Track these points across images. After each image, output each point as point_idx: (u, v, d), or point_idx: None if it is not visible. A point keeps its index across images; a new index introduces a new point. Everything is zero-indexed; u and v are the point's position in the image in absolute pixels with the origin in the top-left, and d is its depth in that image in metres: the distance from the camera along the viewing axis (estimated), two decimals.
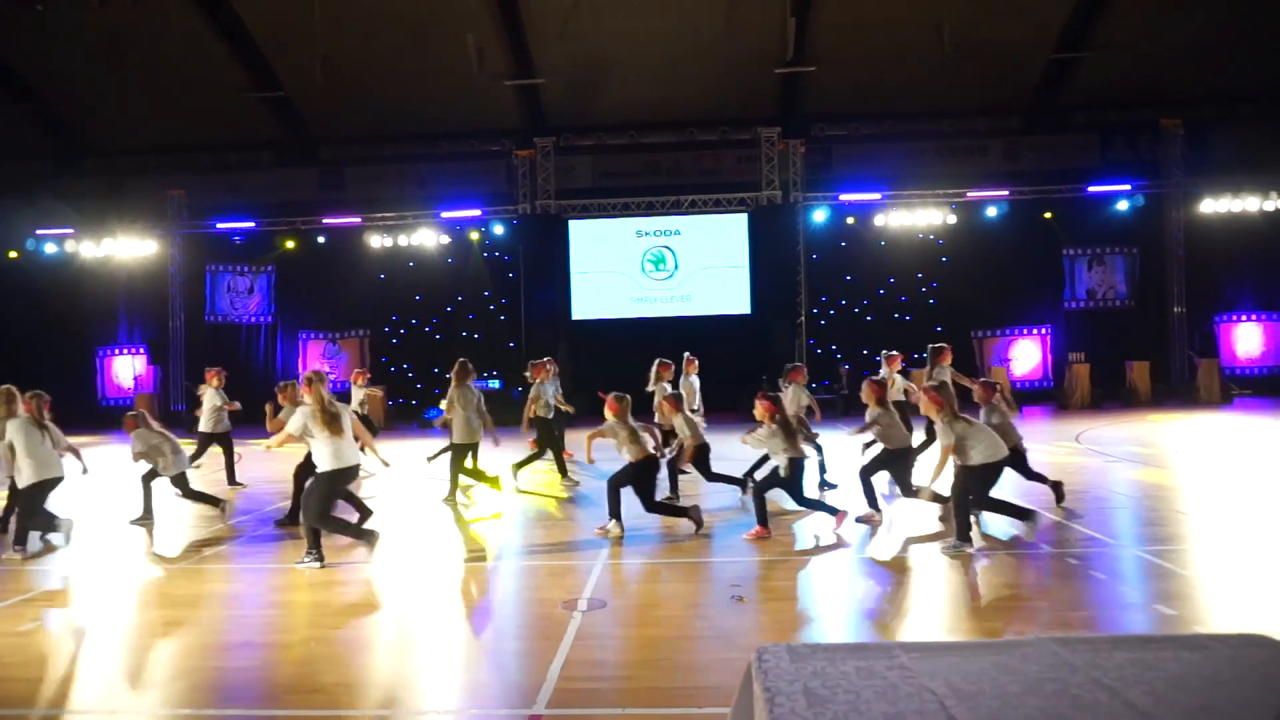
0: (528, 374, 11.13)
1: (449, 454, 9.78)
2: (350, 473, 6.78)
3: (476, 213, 22.45)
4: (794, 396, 9.12)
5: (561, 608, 5.48)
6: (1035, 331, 22.76)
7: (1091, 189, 21.66)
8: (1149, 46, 20.26)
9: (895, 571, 6.32)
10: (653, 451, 7.70)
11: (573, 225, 22.36)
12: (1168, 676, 2.26)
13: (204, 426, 11.21)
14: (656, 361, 10.48)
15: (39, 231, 22.65)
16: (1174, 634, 4.60)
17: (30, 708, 4.18)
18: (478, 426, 9.36)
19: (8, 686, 4.39)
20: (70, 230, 22.49)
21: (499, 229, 22.47)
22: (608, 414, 7.64)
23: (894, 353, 9.97)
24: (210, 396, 11.29)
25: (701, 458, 8.55)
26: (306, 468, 7.57)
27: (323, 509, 6.70)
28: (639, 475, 7.55)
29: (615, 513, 7.60)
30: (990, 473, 6.75)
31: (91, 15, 19.66)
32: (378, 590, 6.23)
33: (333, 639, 5.06)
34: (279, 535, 8.16)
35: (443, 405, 9.69)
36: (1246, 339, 22.26)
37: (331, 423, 6.53)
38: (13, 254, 22.88)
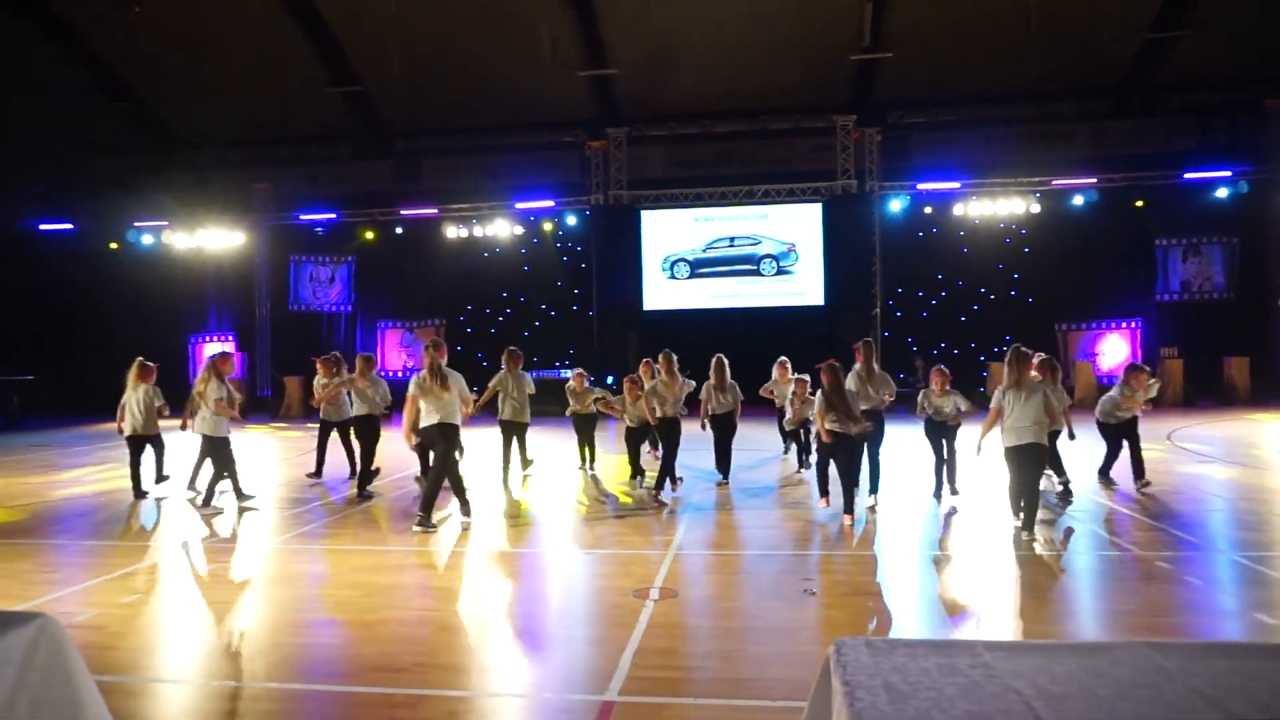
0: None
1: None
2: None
3: (550, 203, 22.68)
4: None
5: (633, 596, 5.51)
6: (1124, 325, 21.89)
7: (1188, 175, 20.68)
8: (1251, 23, 19.17)
9: (972, 568, 6.16)
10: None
11: (645, 215, 22.39)
12: (1272, 687, 2.14)
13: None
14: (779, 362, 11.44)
15: (137, 224, 23.77)
16: (1276, 643, 4.37)
17: (129, 675, 4.40)
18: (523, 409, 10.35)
19: (109, 655, 4.63)
20: (164, 222, 23.55)
21: (572, 219, 22.65)
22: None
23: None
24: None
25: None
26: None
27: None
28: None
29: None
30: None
31: (182, 14, 20.53)
32: (455, 574, 6.37)
33: (412, 620, 5.19)
34: (361, 517, 8.41)
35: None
36: None
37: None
38: (113, 245, 24.06)
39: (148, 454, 9.76)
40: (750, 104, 22.11)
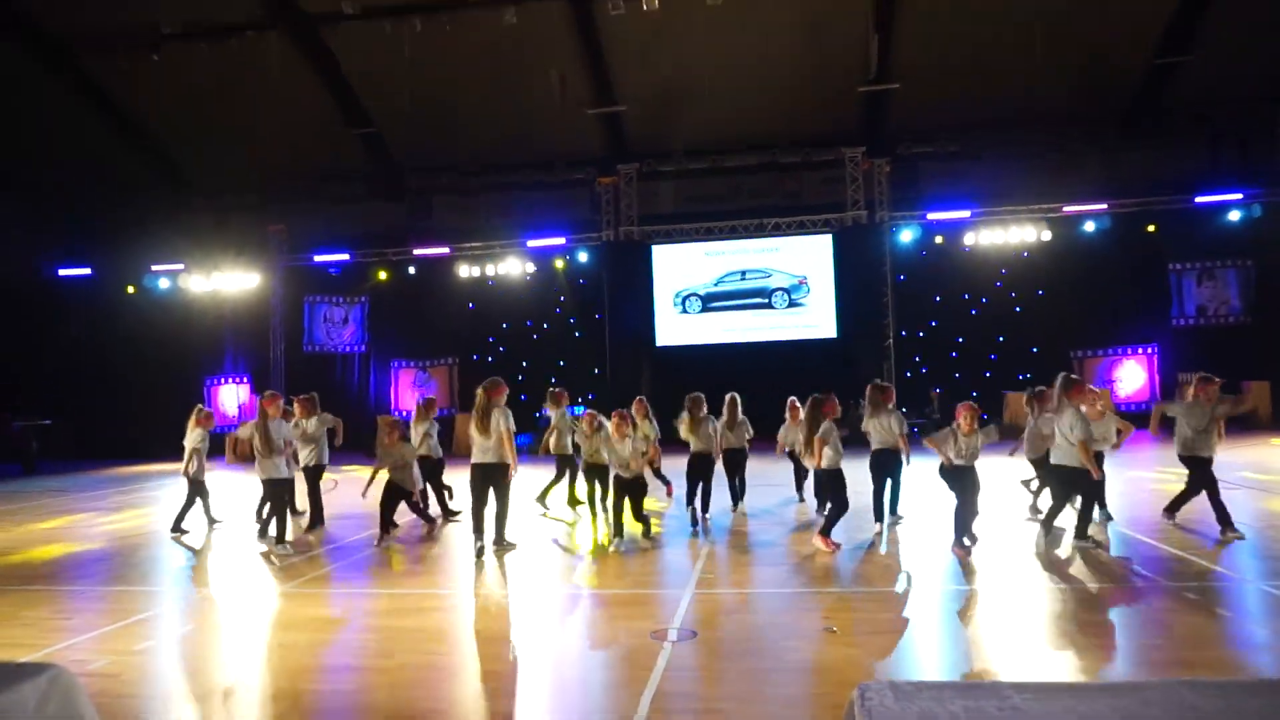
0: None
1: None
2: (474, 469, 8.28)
3: (561, 240, 22.81)
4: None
5: (651, 638, 5.42)
6: (1141, 351, 21.70)
7: (1200, 199, 20.60)
8: (1259, 44, 19.16)
9: (996, 604, 6.05)
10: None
11: (656, 250, 22.48)
12: None
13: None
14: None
15: (154, 267, 24.06)
16: None
17: None
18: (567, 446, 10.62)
19: (122, 704, 4.59)
20: (181, 265, 23.83)
21: (583, 256, 22.77)
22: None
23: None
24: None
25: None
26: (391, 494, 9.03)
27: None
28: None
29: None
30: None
31: (200, 59, 20.95)
32: (470, 617, 6.30)
33: (427, 664, 5.12)
34: (375, 560, 8.36)
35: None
36: None
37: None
38: (130, 289, 24.34)
39: (213, 494, 10.21)
40: (759, 137, 22.26)
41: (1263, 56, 19.44)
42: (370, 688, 4.76)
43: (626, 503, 8.56)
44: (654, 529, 9.08)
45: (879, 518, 8.79)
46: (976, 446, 7.62)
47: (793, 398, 11.02)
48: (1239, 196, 20.35)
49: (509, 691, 4.71)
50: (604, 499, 9.46)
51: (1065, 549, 7.63)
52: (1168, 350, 21.52)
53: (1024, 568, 7.01)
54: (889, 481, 8.79)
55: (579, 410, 12.43)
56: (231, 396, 24.85)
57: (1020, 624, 5.58)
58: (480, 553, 8.06)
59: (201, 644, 5.77)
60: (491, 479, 8.13)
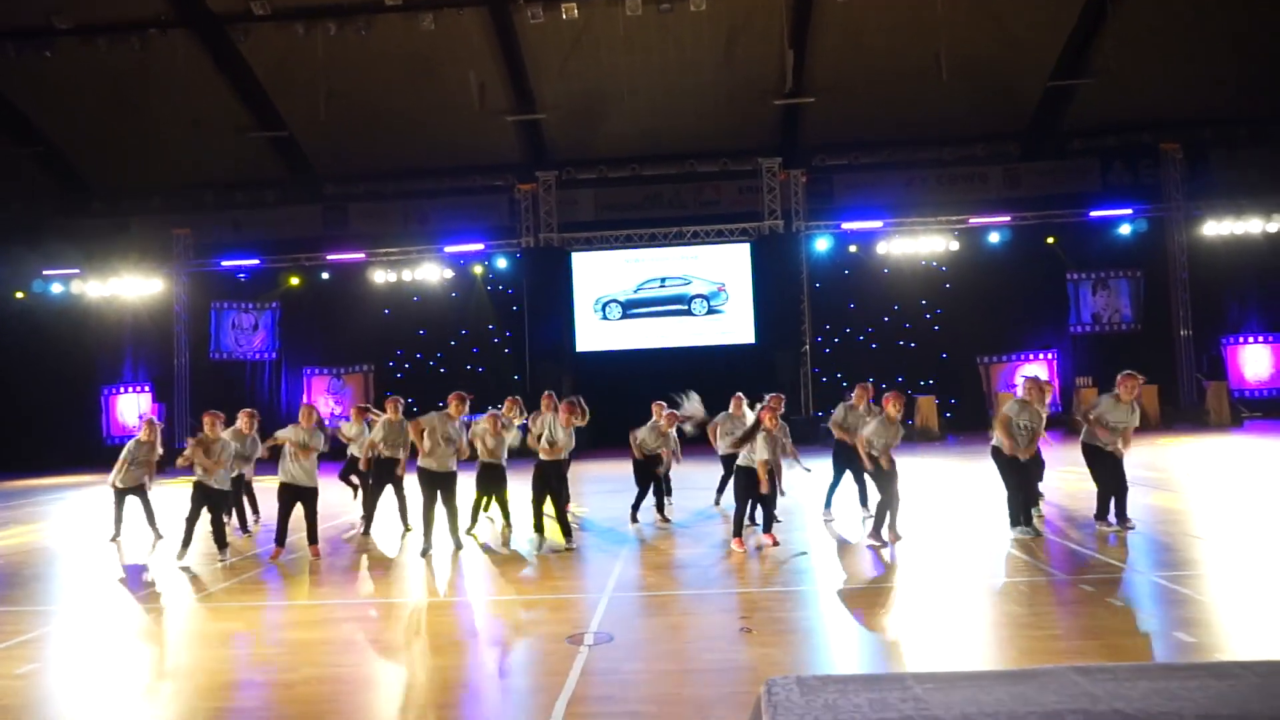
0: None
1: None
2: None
3: (479, 247, 22.59)
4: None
5: (567, 642, 5.38)
6: (1042, 356, 22.69)
7: (1093, 213, 21.74)
8: (1144, 72, 20.44)
9: (905, 600, 6.21)
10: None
11: (575, 257, 22.46)
12: (1195, 706, 2.18)
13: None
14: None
15: (46, 272, 22.85)
16: (1197, 661, 4.49)
17: None
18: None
19: None
20: (76, 270, 22.68)
21: (502, 262, 22.59)
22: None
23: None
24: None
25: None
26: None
27: None
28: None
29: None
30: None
31: (99, 60, 20.03)
32: (380, 626, 6.14)
33: (335, 677, 4.97)
34: (281, 571, 8.08)
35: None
36: (1255, 361, 22.13)
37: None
38: (19, 294, 23.05)
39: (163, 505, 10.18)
40: (678, 147, 22.50)
41: (1146, 84, 20.71)
42: (276, 703, 4.59)
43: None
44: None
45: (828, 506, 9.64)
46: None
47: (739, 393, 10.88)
48: (1129, 211, 21.55)
49: (419, 701, 4.60)
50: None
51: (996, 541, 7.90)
52: (1067, 355, 22.59)
53: (929, 564, 7.22)
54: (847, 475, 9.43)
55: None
56: (131, 406, 23.72)
57: (926, 619, 5.74)
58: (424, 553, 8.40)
59: (93, 665, 5.46)
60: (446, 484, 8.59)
